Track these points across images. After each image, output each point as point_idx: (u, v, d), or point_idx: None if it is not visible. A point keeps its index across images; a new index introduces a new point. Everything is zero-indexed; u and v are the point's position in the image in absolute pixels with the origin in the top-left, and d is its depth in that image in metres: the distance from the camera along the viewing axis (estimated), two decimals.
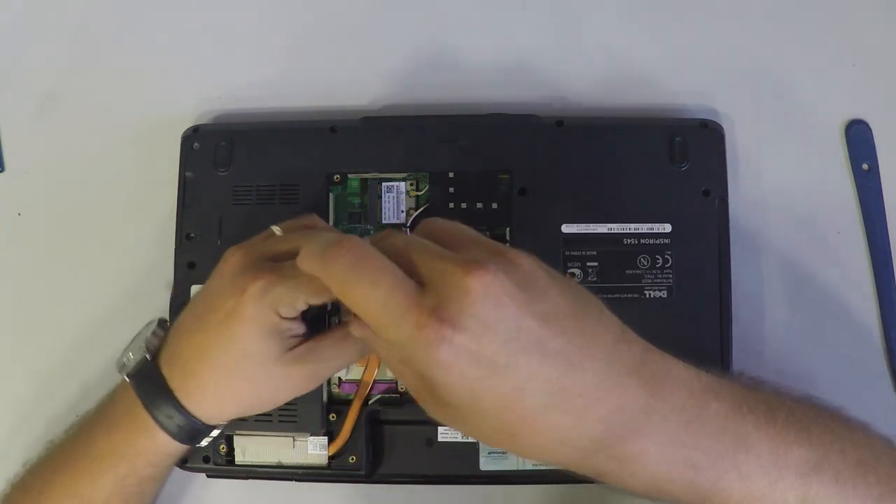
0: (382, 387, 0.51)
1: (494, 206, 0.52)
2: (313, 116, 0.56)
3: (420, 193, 0.53)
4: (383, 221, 0.53)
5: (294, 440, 0.50)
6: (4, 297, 0.57)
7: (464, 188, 0.52)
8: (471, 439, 0.50)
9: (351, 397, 0.51)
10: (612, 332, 0.37)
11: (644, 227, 0.51)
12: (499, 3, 0.58)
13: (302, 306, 0.43)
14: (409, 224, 0.52)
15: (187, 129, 0.55)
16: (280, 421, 0.49)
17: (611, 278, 0.51)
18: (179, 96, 0.58)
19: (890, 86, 0.55)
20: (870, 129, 0.55)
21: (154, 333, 0.48)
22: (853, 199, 0.54)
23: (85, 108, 0.58)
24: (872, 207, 0.54)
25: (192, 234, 0.53)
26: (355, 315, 0.39)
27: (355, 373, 0.51)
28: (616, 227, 0.51)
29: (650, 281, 0.51)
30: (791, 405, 0.39)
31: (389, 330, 0.35)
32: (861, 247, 0.54)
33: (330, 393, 0.51)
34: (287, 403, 0.46)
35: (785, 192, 0.54)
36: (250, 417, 0.49)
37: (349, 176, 0.53)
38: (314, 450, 0.50)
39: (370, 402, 0.51)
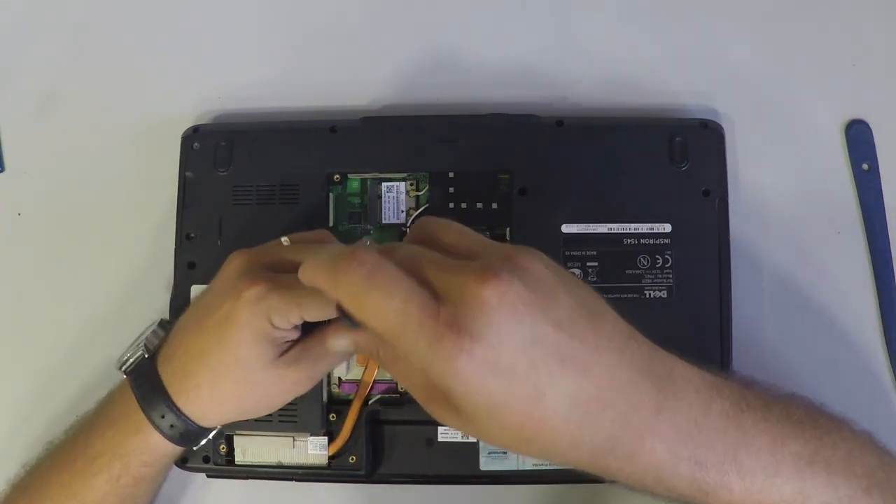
0: (382, 387, 0.51)
1: (494, 206, 0.52)
2: (313, 116, 0.56)
3: (420, 193, 0.53)
4: (383, 221, 0.53)
5: (294, 440, 0.50)
6: (4, 297, 0.57)
7: (464, 188, 0.52)
8: (471, 439, 0.50)
9: (351, 397, 0.51)
10: (620, 331, 0.37)
11: (644, 227, 0.51)
12: (499, 4, 0.58)
13: (296, 320, 0.43)
14: (408, 224, 0.52)
15: (187, 129, 0.55)
16: (280, 421, 0.49)
17: (611, 278, 0.51)
18: (179, 96, 0.58)
19: (890, 86, 0.55)
20: (870, 129, 0.55)
21: (154, 332, 0.48)
22: (853, 200, 0.54)
23: (85, 108, 0.58)
24: (872, 207, 0.54)
25: (192, 234, 0.53)
26: (332, 326, 0.40)
27: (355, 373, 0.51)
28: (616, 227, 0.51)
29: (650, 281, 0.51)
30: (783, 401, 0.40)
31: (406, 341, 0.35)
32: (861, 247, 0.54)
33: (330, 393, 0.51)
34: (287, 403, 0.46)
35: (785, 193, 0.54)
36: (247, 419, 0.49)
37: (349, 176, 0.53)
38: (314, 450, 0.50)
39: (370, 402, 0.51)
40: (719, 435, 0.37)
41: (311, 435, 0.50)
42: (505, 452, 0.50)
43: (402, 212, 0.53)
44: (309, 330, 0.45)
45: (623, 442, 0.36)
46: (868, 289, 0.53)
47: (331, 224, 0.53)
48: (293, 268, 0.40)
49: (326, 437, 0.50)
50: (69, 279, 0.56)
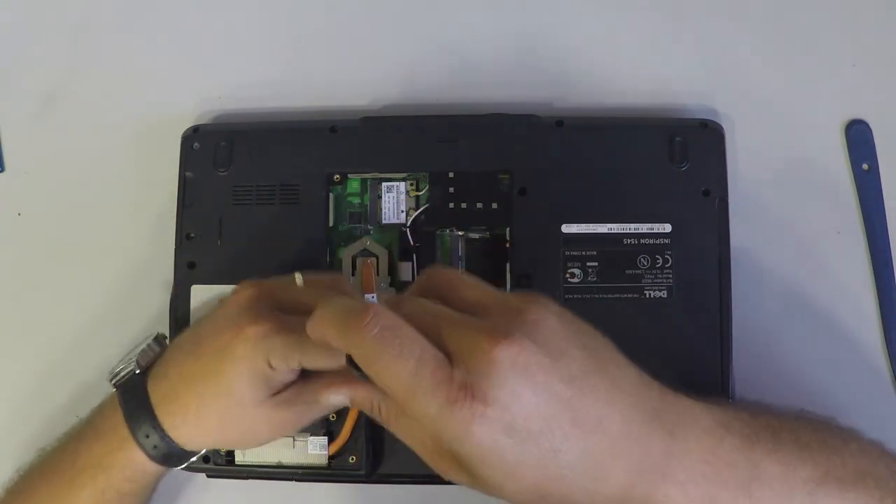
0: None
1: (494, 206, 0.52)
2: (313, 116, 0.56)
3: (420, 193, 0.53)
4: (383, 221, 0.53)
5: (294, 440, 0.50)
6: (4, 297, 0.57)
7: (464, 188, 0.52)
8: None
9: None
10: (631, 378, 0.38)
11: (644, 227, 0.51)
12: (499, 4, 0.58)
13: (295, 365, 0.43)
14: (409, 224, 0.52)
15: (187, 129, 0.55)
16: None
17: (611, 278, 0.51)
18: (179, 96, 0.58)
19: (890, 86, 0.55)
20: (870, 129, 0.55)
21: (149, 347, 0.48)
22: (853, 200, 0.54)
23: (85, 108, 0.58)
24: (872, 207, 0.54)
25: (192, 234, 0.53)
26: (328, 379, 0.40)
27: None
28: (616, 227, 0.51)
29: (650, 281, 0.51)
30: (791, 425, 0.40)
31: (417, 404, 0.35)
32: (861, 247, 0.54)
33: None
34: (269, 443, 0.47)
35: (785, 193, 0.54)
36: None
37: (349, 176, 0.53)
38: (314, 450, 0.50)
39: None
40: (731, 470, 0.37)
41: (311, 435, 0.50)
42: None
43: (402, 212, 0.53)
44: (306, 375, 0.45)
45: (637, 490, 0.37)
46: (868, 289, 0.53)
47: (331, 224, 0.53)
48: (302, 310, 0.40)
49: (326, 437, 0.50)
50: (69, 279, 0.56)
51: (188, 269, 0.52)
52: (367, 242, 0.52)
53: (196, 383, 0.44)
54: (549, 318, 0.36)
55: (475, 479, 0.37)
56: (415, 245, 0.52)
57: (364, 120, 0.54)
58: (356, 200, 0.53)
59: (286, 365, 0.43)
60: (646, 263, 0.51)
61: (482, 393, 0.34)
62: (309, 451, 0.50)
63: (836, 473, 0.39)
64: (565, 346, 0.36)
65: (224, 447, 0.48)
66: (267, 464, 0.50)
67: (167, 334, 0.52)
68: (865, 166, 0.54)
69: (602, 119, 0.54)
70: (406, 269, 0.52)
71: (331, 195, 0.53)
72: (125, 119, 0.58)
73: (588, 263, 0.51)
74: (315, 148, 0.53)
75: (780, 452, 0.38)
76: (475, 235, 0.52)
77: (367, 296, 0.51)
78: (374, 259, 0.52)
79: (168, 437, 0.45)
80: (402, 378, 0.35)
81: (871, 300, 0.53)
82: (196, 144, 0.54)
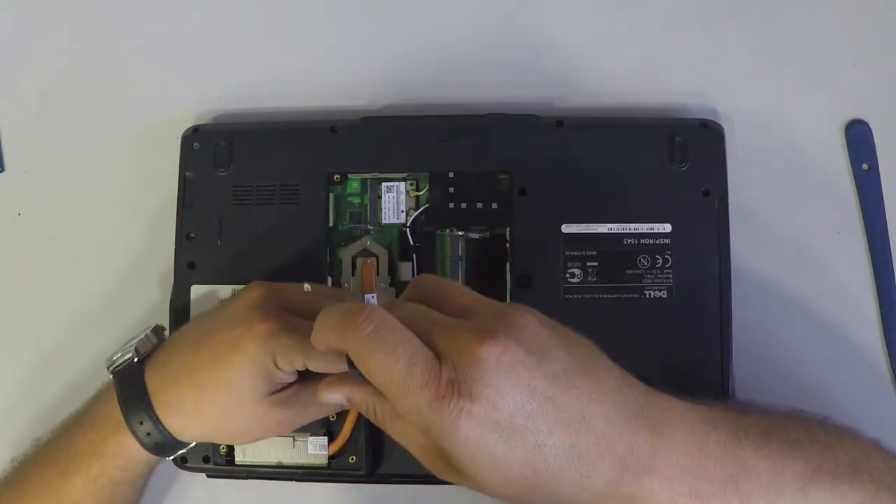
0: None
1: (494, 206, 0.52)
2: (313, 116, 0.56)
3: (420, 193, 0.53)
4: (383, 221, 0.53)
5: (294, 440, 0.50)
6: (4, 296, 0.57)
7: (464, 188, 0.52)
8: None
9: None
10: (615, 378, 0.39)
11: (644, 227, 0.51)
12: (499, 4, 0.58)
13: (299, 366, 0.44)
14: (409, 224, 0.52)
15: (187, 129, 0.55)
16: None
17: (611, 278, 0.51)
18: (179, 96, 0.58)
19: (890, 86, 0.55)
20: (870, 129, 0.55)
21: (147, 337, 0.48)
22: (853, 200, 0.54)
23: (85, 108, 0.58)
24: (872, 207, 0.54)
25: (192, 234, 0.53)
26: (327, 379, 0.41)
27: None
28: (616, 227, 0.51)
29: (650, 281, 0.51)
30: (781, 422, 0.41)
31: (407, 400, 0.36)
32: (861, 247, 0.54)
33: None
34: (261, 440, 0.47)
35: (785, 193, 0.54)
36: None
37: (349, 176, 0.53)
38: (314, 450, 0.50)
39: None
40: (717, 467, 0.38)
41: (311, 435, 0.50)
42: None
43: (402, 212, 0.53)
44: (305, 376, 0.45)
45: (623, 485, 0.37)
46: (868, 289, 0.53)
47: (331, 224, 0.53)
48: (309, 313, 0.41)
49: (326, 437, 0.50)
50: (69, 279, 0.56)
51: (188, 269, 0.52)
52: (367, 242, 0.52)
53: (197, 375, 0.45)
54: (533, 321, 0.38)
55: (465, 476, 0.38)
56: (415, 245, 0.52)
57: (364, 120, 0.54)
58: (356, 200, 0.53)
59: (290, 365, 0.44)
60: (646, 263, 0.51)
61: (469, 390, 0.35)
62: (309, 451, 0.50)
63: (828, 468, 0.39)
64: (549, 347, 0.37)
65: (217, 441, 0.49)
66: (267, 464, 0.50)
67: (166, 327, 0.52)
68: (865, 166, 0.54)
69: (602, 119, 0.54)
70: (406, 269, 0.52)
71: (331, 195, 0.53)
72: (125, 119, 0.58)
73: (588, 263, 0.51)
74: (315, 148, 0.53)
75: (768, 448, 0.39)
76: (475, 235, 0.52)
77: (367, 296, 0.51)
78: (374, 259, 0.52)
79: (162, 425, 0.45)
80: (393, 375, 0.36)
81: (871, 300, 0.53)
82: (196, 144, 0.54)
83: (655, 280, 0.51)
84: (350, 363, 0.38)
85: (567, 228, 0.51)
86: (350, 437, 0.50)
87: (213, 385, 0.45)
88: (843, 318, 0.53)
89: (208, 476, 0.52)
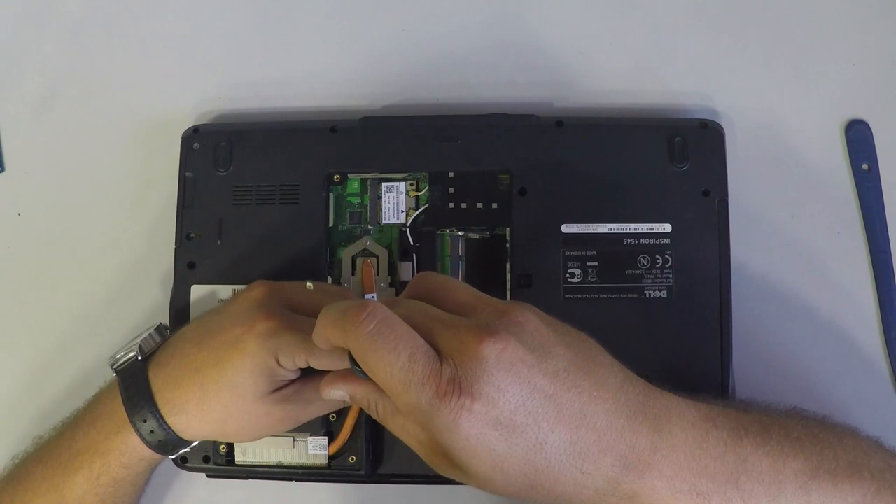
0: None
1: (494, 206, 0.52)
2: (313, 116, 0.56)
3: (420, 193, 0.53)
4: (383, 221, 0.53)
5: (294, 440, 0.50)
6: (4, 296, 0.57)
7: (464, 188, 0.52)
8: None
9: None
10: (615, 375, 0.39)
11: (644, 227, 0.51)
12: (499, 4, 0.58)
13: (302, 364, 0.44)
14: (409, 224, 0.52)
15: (187, 129, 0.55)
16: None
17: (611, 278, 0.51)
18: (179, 96, 0.58)
19: (890, 86, 0.55)
20: (870, 129, 0.55)
21: (151, 336, 0.49)
22: (853, 200, 0.54)
23: (85, 108, 0.58)
24: (872, 207, 0.54)
25: (192, 234, 0.53)
26: (329, 375, 0.41)
27: None
28: (616, 227, 0.51)
29: (650, 281, 0.51)
30: (782, 420, 0.41)
31: (408, 397, 0.36)
32: (861, 247, 0.54)
33: None
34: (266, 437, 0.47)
35: (785, 193, 0.54)
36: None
37: (349, 176, 0.53)
38: (314, 450, 0.50)
39: None
40: (718, 464, 0.38)
41: (311, 435, 0.50)
42: None
43: (402, 212, 0.53)
44: (307, 373, 0.46)
45: (624, 482, 0.38)
46: (868, 289, 0.53)
47: (331, 224, 0.53)
48: (311, 311, 0.41)
49: (326, 437, 0.50)
50: (69, 279, 0.56)
51: (188, 270, 0.52)
52: (367, 242, 0.52)
53: (200, 374, 0.45)
54: (533, 319, 0.38)
55: (466, 472, 0.38)
56: (415, 245, 0.52)
57: (364, 120, 0.54)
58: (356, 200, 0.53)
59: (293, 363, 0.44)
60: (646, 263, 0.51)
61: (469, 387, 0.36)
62: (309, 451, 0.50)
63: (829, 466, 0.39)
64: (549, 345, 0.37)
65: (221, 439, 0.49)
66: (267, 464, 0.50)
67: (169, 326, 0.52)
68: (865, 166, 0.54)
69: (602, 119, 0.54)
70: (406, 269, 0.52)
71: (331, 195, 0.53)
72: (125, 119, 0.58)
73: (588, 263, 0.51)
74: (315, 148, 0.53)
75: (769, 446, 0.39)
76: (475, 235, 0.52)
77: (367, 296, 0.51)
78: (374, 259, 0.52)
79: (165, 423, 0.46)
80: (394, 372, 0.36)
81: (871, 300, 0.53)
82: (196, 144, 0.54)
83: (655, 280, 0.51)
84: (352, 360, 0.38)
85: (567, 228, 0.51)
86: (350, 437, 0.50)
87: (216, 384, 0.45)
88: (843, 318, 0.53)
89: (208, 476, 0.52)
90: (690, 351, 0.50)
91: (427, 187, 0.53)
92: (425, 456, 0.39)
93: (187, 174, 0.54)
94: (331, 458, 0.50)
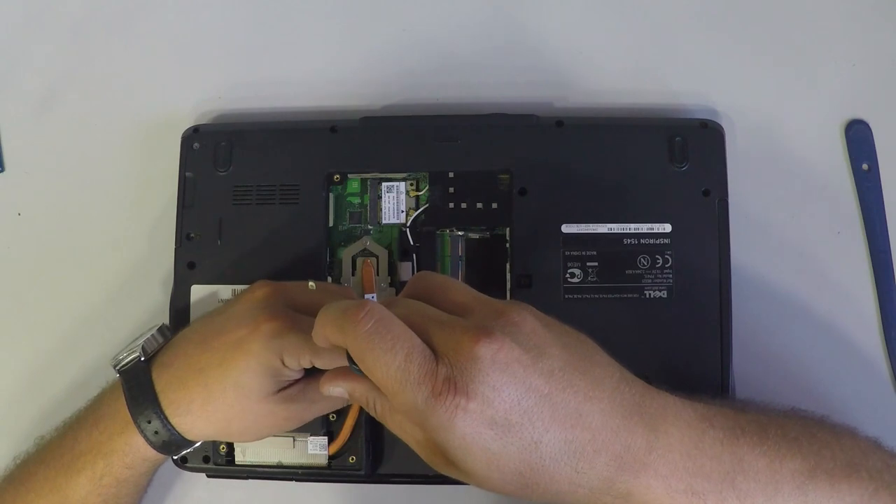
0: None
1: (494, 206, 0.52)
2: (313, 116, 0.56)
3: (420, 193, 0.53)
4: (383, 221, 0.53)
5: (294, 440, 0.50)
6: (3, 296, 0.57)
7: (464, 188, 0.52)
8: None
9: None
10: (611, 374, 0.39)
11: (644, 227, 0.51)
12: (499, 4, 0.58)
13: (306, 364, 0.44)
14: (408, 224, 0.52)
15: (187, 129, 0.55)
16: None
17: (611, 278, 0.51)
18: (179, 96, 0.58)
19: (890, 86, 0.55)
20: (870, 129, 0.55)
21: (153, 337, 0.49)
22: (853, 200, 0.54)
23: (85, 109, 0.58)
24: (872, 207, 0.54)
25: (192, 235, 0.53)
26: (330, 371, 0.41)
27: None
28: (616, 227, 0.51)
29: (650, 281, 0.51)
30: (779, 420, 0.41)
31: (404, 396, 0.36)
32: (861, 247, 0.54)
33: None
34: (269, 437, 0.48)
35: (785, 193, 0.54)
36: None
37: (349, 176, 0.53)
38: (314, 450, 0.50)
39: None
40: (714, 464, 0.38)
41: (311, 435, 0.50)
42: None
43: (402, 212, 0.53)
44: (311, 373, 0.46)
45: (619, 481, 0.38)
46: (868, 289, 0.53)
47: (331, 224, 0.53)
48: (314, 311, 0.41)
49: (326, 437, 0.50)
50: (69, 279, 0.56)
51: (188, 270, 0.52)
52: (367, 242, 0.52)
53: (204, 374, 0.45)
54: (530, 319, 0.38)
55: (462, 471, 0.38)
56: (415, 245, 0.52)
57: (364, 120, 0.54)
58: (356, 200, 0.53)
59: (297, 363, 0.44)
60: (646, 263, 0.51)
61: (465, 387, 0.36)
62: (309, 451, 0.50)
63: (826, 466, 0.39)
64: (545, 345, 0.38)
65: (225, 439, 0.49)
66: (267, 464, 0.50)
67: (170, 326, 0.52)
68: (865, 166, 0.54)
69: (602, 119, 0.54)
70: (406, 269, 0.52)
71: (331, 195, 0.53)
72: (125, 119, 0.58)
73: (588, 263, 0.51)
74: (315, 148, 0.53)
75: (765, 446, 0.39)
76: (475, 235, 0.52)
77: (367, 296, 0.51)
78: (374, 259, 0.52)
79: (170, 423, 0.46)
80: (390, 371, 0.36)
81: (871, 300, 0.53)
82: (196, 144, 0.54)
83: (655, 280, 0.51)
84: (350, 359, 0.38)
85: (567, 228, 0.51)
86: (350, 437, 0.50)
87: (221, 385, 0.45)
88: (843, 318, 0.53)
89: (208, 476, 0.52)
90: (690, 351, 0.50)
91: (427, 187, 0.53)
92: (422, 454, 0.39)
93: (187, 174, 0.54)
94: (331, 458, 0.50)
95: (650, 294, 0.51)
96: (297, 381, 0.46)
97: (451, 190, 0.52)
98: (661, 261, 0.51)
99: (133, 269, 0.56)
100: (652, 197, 0.51)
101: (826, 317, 0.53)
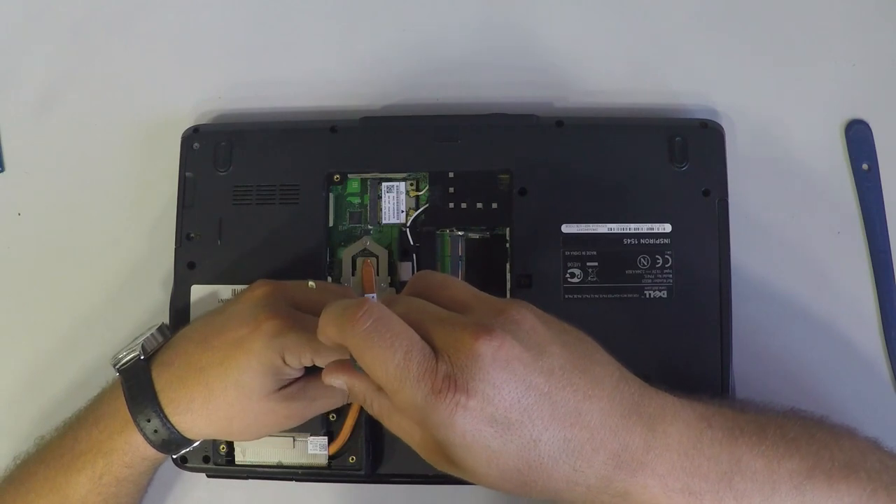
0: None
1: (494, 206, 0.52)
2: (313, 116, 0.56)
3: (420, 193, 0.53)
4: (383, 221, 0.53)
5: (294, 440, 0.50)
6: (4, 296, 0.57)
7: (464, 188, 0.52)
8: None
9: None
10: (611, 373, 0.39)
11: (644, 227, 0.51)
12: (499, 4, 0.58)
13: (307, 362, 0.44)
14: (409, 224, 0.52)
15: (187, 129, 0.55)
16: None
17: (611, 278, 0.51)
18: (179, 96, 0.58)
19: (890, 86, 0.55)
20: (870, 129, 0.55)
21: (153, 336, 0.49)
22: (853, 200, 0.54)
23: (85, 109, 0.58)
24: (872, 207, 0.54)
25: (192, 235, 0.53)
26: (331, 364, 0.41)
27: None
28: (616, 227, 0.51)
29: (650, 281, 0.51)
30: (778, 420, 0.41)
31: (404, 393, 0.36)
32: (861, 247, 0.54)
33: None
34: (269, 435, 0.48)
35: (785, 193, 0.54)
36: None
37: (349, 176, 0.53)
38: (314, 450, 0.50)
39: None
40: (712, 464, 0.38)
41: (311, 435, 0.50)
42: None
43: (402, 212, 0.53)
44: (311, 371, 0.46)
45: (616, 480, 0.38)
46: (868, 289, 0.53)
47: (331, 224, 0.53)
48: (314, 310, 0.41)
49: (326, 437, 0.50)
50: (69, 279, 0.56)
51: (188, 270, 0.52)
52: (367, 242, 0.52)
53: (205, 373, 0.45)
54: (530, 317, 0.38)
55: (461, 468, 0.38)
56: (415, 245, 0.52)
57: (364, 120, 0.54)
58: (356, 200, 0.53)
59: (299, 361, 0.44)
60: (646, 263, 0.51)
61: (464, 384, 0.36)
62: (309, 451, 0.50)
63: (825, 467, 0.39)
64: (545, 343, 0.38)
65: (225, 437, 0.49)
66: (267, 464, 0.50)
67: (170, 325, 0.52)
68: (865, 166, 0.54)
69: (602, 119, 0.54)
70: (406, 269, 0.52)
71: (331, 195, 0.53)
72: (125, 119, 0.58)
73: (588, 263, 0.51)
74: (315, 148, 0.53)
75: (764, 446, 0.39)
76: (475, 235, 0.52)
77: (367, 296, 0.51)
78: (374, 259, 0.52)
79: (170, 422, 0.46)
80: (390, 368, 0.36)
81: (871, 300, 0.53)
82: (196, 144, 0.54)
83: (655, 280, 0.51)
84: (352, 357, 0.38)
85: (567, 228, 0.51)
86: (350, 437, 0.50)
87: (222, 384, 0.45)
88: (843, 318, 0.53)
89: (208, 476, 0.52)
90: (690, 351, 0.50)
91: (427, 187, 0.53)
92: (422, 452, 0.39)
93: (187, 174, 0.54)
94: (331, 458, 0.50)
95: (650, 294, 0.51)
96: (297, 380, 0.46)
97: (451, 190, 0.52)
98: (661, 261, 0.51)
99: (133, 269, 0.56)
100: (652, 197, 0.51)
101: (826, 317, 0.53)
